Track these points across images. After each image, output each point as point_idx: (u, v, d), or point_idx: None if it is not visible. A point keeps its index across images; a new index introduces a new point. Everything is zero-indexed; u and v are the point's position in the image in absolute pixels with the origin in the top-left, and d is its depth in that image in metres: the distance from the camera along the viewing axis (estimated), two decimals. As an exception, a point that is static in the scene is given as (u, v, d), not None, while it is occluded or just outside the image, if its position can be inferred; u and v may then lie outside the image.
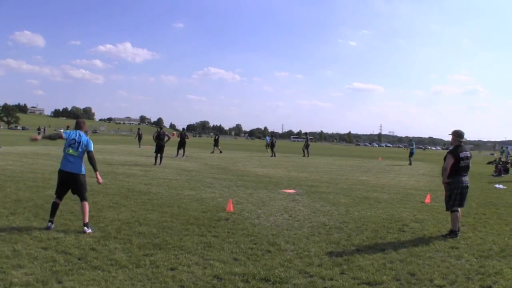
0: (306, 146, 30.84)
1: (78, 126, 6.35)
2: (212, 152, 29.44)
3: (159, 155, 16.97)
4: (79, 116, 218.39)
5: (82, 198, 5.95)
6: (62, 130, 6.27)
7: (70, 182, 5.92)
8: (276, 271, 4.46)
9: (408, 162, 26.61)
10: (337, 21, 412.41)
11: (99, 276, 4.09)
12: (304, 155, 30.54)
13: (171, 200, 8.63)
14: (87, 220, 5.80)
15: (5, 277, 3.92)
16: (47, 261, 4.42)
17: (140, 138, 35.65)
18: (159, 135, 17.45)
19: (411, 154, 26.71)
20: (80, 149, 5.98)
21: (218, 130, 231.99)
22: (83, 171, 6.00)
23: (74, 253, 4.72)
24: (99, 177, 6.08)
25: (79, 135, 6.11)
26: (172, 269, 4.41)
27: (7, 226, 5.81)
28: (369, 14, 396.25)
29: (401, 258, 5.14)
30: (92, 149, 6.15)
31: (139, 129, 38.04)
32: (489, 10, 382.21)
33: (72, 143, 5.98)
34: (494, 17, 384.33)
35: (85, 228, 5.71)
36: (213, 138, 31.91)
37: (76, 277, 4.03)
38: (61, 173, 5.94)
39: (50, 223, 5.80)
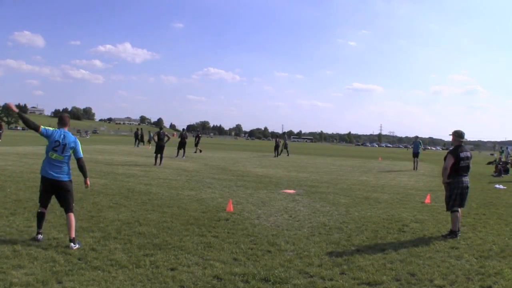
0: (285, 146, 31.45)
1: (62, 123, 5.34)
2: (198, 151, 28.56)
3: (159, 155, 16.98)
4: (78, 116, 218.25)
5: (68, 209, 5.20)
6: (50, 128, 5.31)
7: (54, 190, 5.21)
8: (276, 271, 4.46)
9: (413, 166, 21.52)
10: (337, 21, 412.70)
11: (99, 276, 4.09)
12: (282, 154, 30.68)
13: (171, 200, 8.63)
14: (73, 234, 5.04)
15: (5, 277, 3.92)
16: (47, 261, 4.42)
17: (137, 137, 35.97)
18: (159, 135, 17.47)
19: (415, 154, 21.77)
20: (65, 153, 5.14)
21: (217, 130, 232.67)
22: (70, 177, 5.26)
23: (74, 253, 4.72)
24: (88, 182, 5.46)
25: (64, 135, 5.19)
26: (172, 269, 4.41)
27: (7, 226, 5.81)
28: (368, 14, 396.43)
29: (401, 258, 5.14)
30: (82, 155, 5.30)
31: (139, 129, 38.33)
32: (489, 10, 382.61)
33: (55, 146, 5.10)
34: (494, 17, 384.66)
35: (72, 244, 4.97)
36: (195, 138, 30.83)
37: (76, 277, 4.03)
38: (44, 180, 5.19)
39: (39, 235, 5.15)
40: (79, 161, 5.28)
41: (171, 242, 5.40)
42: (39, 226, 5.22)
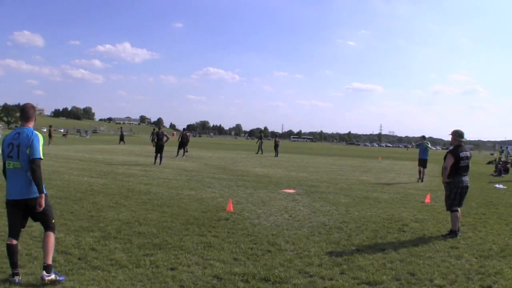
0: (261, 144, 32.44)
1: (23, 118, 3.98)
2: (187, 151, 27.86)
3: (158, 155, 17.00)
4: (78, 116, 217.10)
5: (47, 227, 3.95)
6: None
7: (26, 212, 3.92)
8: (276, 271, 4.46)
9: (418, 176, 15.44)
10: (336, 21, 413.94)
11: (99, 276, 4.09)
12: (258, 152, 31.35)
13: (171, 200, 8.63)
14: (50, 260, 3.86)
15: (5, 277, 3.92)
16: (47, 261, 4.41)
17: (153, 137, 36.24)
18: (158, 135, 17.56)
19: (422, 162, 15.35)
20: (22, 156, 3.76)
21: (217, 129, 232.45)
22: (43, 189, 3.85)
23: (74, 253, 4.72)
24: (42, 201, 3.84)
25: (18, 133, 3.84)
26: (172, 269, 4.41)
27: (7, 226, 5.80)
28: (368, 14, 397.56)
29: (401, 258, 5.14)
30: (40, 155, 3.78)
31: (154, 129, 38.91)
32: (488, 10, 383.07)
33: (10, 151, 3.80)
34: (493, 17, 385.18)
35: (44, 273, 3.80)
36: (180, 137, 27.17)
37: (76, 277, 4.03)
38: (9, 204, 3.88)
39: (16, 277, 3.82)
40: (33, 162, 3.73)
41: (171, 241, 5.40)
42: (13, 264, 3.85)
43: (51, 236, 3.93)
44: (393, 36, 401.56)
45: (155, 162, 16.98)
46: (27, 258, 4.49)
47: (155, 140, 17.52)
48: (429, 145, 15.86)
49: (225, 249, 5.21)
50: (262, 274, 4.33)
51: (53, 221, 4.03)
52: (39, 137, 3.84)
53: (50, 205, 4.07)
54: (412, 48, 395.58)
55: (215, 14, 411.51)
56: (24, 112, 3.97)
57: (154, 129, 38.12)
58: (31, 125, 3.97)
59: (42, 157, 3.81)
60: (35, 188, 3.80)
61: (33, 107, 4.04)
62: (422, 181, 15.04)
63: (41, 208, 3.87)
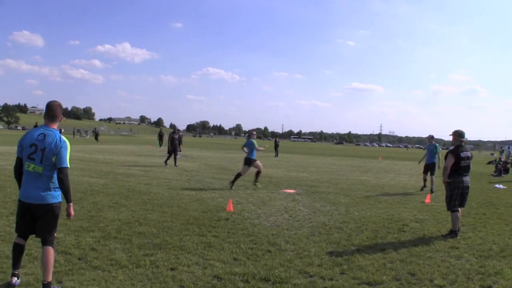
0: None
1: (49, 116, 3.67)
2: (180, 151, 27.50)
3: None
4: (78, 116, 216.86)
5: (46, 241, 3.64)
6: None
7: (35, 216, 3.65)
8: (276, 271, 4.46)
9: (423, 184, 12.62)
10: (336, 21, 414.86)
11: (99, 276, 4.09)
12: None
13: (171, 200, 8.63)
14: (50, 277, 3.58)
15: (5, 277, 3.92)
16: (47, 261, 4.41)
17: (161, 138, 36.01)
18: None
19: (429, 168, 12.35)
20: (46, 162, 3.53)
21: (217, 129, 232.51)
22: (58, 197, 3.68)
23: (74, 253, 4.72)
24: (71, 210, 3.72)
25: (44, 135, 3.57)
26: (172, 269, 4.41)
27: (7, 226, 5.81)
28: (367, 14, 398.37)
29: (401, 258, 5.14)
30: (67, 164, 3.59)
31: (162, 129, 39.72)
32: (487, 10, 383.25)
33: (31, 153, 3.54)
34: (492, 17, 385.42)
35: None
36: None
37: (76, 277, 4.03)
38: (22, 205, 3.65)
39: (14, 278, 3.69)
40: (61, 172, 3.55)
41: (171, 242, 5.40)
42: (16, 264, 3.72)
43: (51, 252, 3.62)
44: (393, 36, 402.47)
45: (175, 163, 16.83)
46: (27, 258, 4.48)
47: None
48: (438, 148, 12.64)
49: (225, 249, 5.21)
50: (262, 274, 4.33)
51: (54, 234, 3.75)
52: (67, 145, 3.62)
53: (59, 215, 3.75)
54: (412, 48, 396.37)
55: (215, 14, 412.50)
56: (51, 111, 3.66)
57: (161, 130, 38.89)
58: (56, 126, 3.70)
59: (69, 165, 3.64)
60: (52, 194, 3.62)
61: (60, 106, 3.74)
62: (432, 191, 11.63)
63: (71, 217, 3.77)
